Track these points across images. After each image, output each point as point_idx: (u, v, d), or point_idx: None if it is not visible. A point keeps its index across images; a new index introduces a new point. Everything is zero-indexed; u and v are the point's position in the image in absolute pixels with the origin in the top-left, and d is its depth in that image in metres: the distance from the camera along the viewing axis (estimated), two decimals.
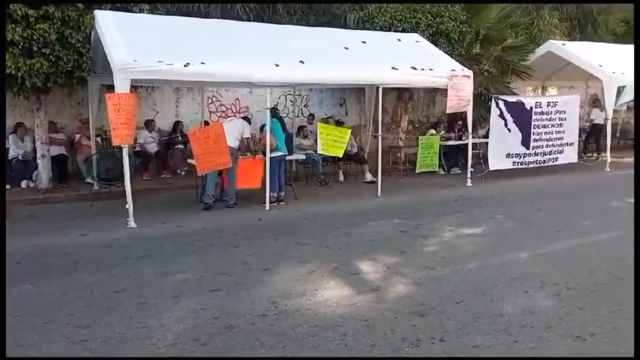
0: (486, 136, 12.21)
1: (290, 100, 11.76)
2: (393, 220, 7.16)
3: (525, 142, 10.71)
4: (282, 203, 8.21)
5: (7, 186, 8.83)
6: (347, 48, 9.02)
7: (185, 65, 7.05)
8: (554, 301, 4.25)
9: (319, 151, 8.77)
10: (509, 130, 10.47)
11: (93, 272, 5.04)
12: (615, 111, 12.01)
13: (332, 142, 8.54)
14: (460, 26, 11.09)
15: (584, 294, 4.39)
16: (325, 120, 10.56)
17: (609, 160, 11.60)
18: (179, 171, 10.44)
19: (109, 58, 6.90)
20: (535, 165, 10.89)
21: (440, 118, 12.90)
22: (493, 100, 10.36)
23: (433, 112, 13.95)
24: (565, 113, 11.16)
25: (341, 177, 10.54)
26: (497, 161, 10.47)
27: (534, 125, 10.74)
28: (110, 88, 7.04)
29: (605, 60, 11.74)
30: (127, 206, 6.83)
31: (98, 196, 8.51)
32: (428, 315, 3.98)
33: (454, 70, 9.27)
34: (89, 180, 9.01)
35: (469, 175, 9.90)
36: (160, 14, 9.34)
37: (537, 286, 4.57)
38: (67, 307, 4.17)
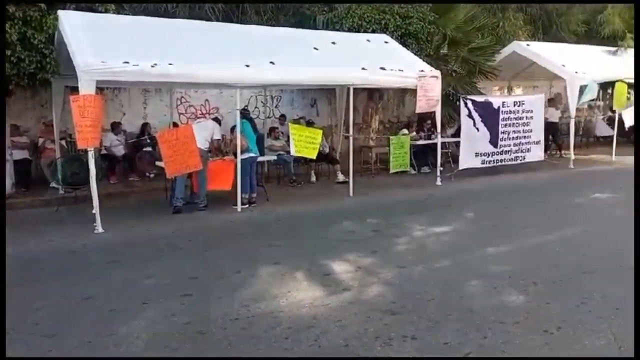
0: (454, 135, 12.43)
1: (261, 101, 11.71)
2: (365, 220, 7.21)
3: (494, 141, 10.92)
4: (254, 205, 8.16)
5: None
6: (317, 49, 9.04)
7: (152, 66, 6.94)
8: (521, 296, 4.35)
9: (292, 153, 8.73)
10: (477, 129, 10.66)
11: (59, 279, 4.91)
12: (578, 109, 12.35)
13: (305, 143, 8.52)
14: (429, 27, 11.25)
15: (550, 289, 4.50)
16: (296, 121, 10.55)
17: (573, 157, 11.94)
18: (147, 174, 10.26)
19: (73, 59, 6.74)
20: (503, 163, 11.12)
21: (411, 118, 13.05)
22: (461, 100, 10.54)
23: (403, 112, 14.10)
24: (531, 112, 11.44)
25: (313, 178, 10.55)
26: (466, 160, 10.65)
27: (501, 124, 10.96)
28: (75, 90, 6.87)
29: (568, 60, 12.10)
30: (93, 211, 6.67)
31: (63, 201, 8.30)
32: (400, 314, 4.01)
33: (422, 70, 9.39)
34: (53, 185, 8.79)
35: (438, 174, 10.05)
36: (126, 14, 9.16)
37: (505, 282, 4.67)
38: (32, 316, 4.05)
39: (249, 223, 7.22)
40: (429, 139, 11.41)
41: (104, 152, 9.76)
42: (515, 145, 11.28)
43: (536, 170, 11.30)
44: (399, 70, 9.16)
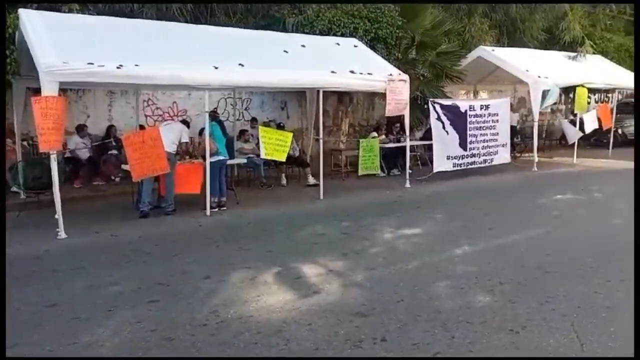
0: (423, 138, 12.62)
1: (231, 104, 11.61)
2: (335, 222, 7.22)
3: (463, 144, 11.11)
4: (224, 208, 8.07)
5: None
6: (286, 51, 9.02)
7: (118, 67, 6.78)
8: (488, 296, 4.43)
9: (262, 156, 8.68)
10: (447, 132, 10.84)
11: (20, 286, 4.74)
12: (541, 113, 12.70)
13: (275, 146, 8.48)
14: (397, 32, 11.37)
15: (515, 288, 4.61)
16: (266, 124, 10.50)
17: (536, 160, 12.27)
18: (112, 178, 10.02)
19: (35, 60, 6.52)
20: (474, 166, 11.32)
21: (380, 121, 13.18)
22: (430, 103, 10.70)
23: (373, 115, 14.22)
24: (497, 115, 11.71)
25: (284, 181, 10.51)
26: (440, 163, 10.81)
27: (469, 127, 11.16)
28: (37, 91, 6.68)
29: (531, 65, 12.44)
30: (56, 216, 6.47)
31: (25, 206, 8.02)
32: (370, 316, 4.03)
33: (391, 74, 9.48)
34: (14, 189, 8.48)
35: (407, 176, 10.16)
36: (91, 14, 8.94)
37: (472, 282, 4.75)
38: None
39: (218, 227, 7.14)
40: (398, 142, 11.54)
41: (67, 155, 9.50)
42: (483, 148, 11.51)
43: (503, 172, 11.55)
44: (368, 73, 9.22)
